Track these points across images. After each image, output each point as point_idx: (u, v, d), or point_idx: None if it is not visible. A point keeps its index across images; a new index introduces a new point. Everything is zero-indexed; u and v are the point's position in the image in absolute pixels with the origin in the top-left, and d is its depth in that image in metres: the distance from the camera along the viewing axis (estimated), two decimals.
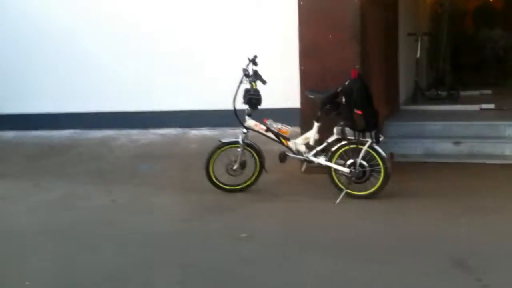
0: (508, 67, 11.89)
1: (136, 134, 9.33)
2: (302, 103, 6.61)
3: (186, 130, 9.31)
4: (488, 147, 6.94)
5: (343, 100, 5.45)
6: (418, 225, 4.97)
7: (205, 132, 9.14)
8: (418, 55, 9.97)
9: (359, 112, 5.34)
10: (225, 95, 9.02)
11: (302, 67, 6.53)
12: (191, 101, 9.27)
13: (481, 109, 8.54)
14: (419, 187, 5.94)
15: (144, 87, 9.46)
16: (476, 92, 10.55)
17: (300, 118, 6.61)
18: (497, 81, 11.45)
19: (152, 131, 9.41)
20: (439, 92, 10.12)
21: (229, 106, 8.84)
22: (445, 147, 7.10)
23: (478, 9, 12.89)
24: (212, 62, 9.07)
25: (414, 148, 7.13)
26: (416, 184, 5.99)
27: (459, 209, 5.27)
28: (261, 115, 5.93)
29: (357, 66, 6.26)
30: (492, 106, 8.50)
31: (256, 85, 5.76)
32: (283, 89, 7.27)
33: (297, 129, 6.45)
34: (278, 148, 6.63)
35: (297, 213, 5.47)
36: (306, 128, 6.40)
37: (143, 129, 9.49)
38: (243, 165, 5.97)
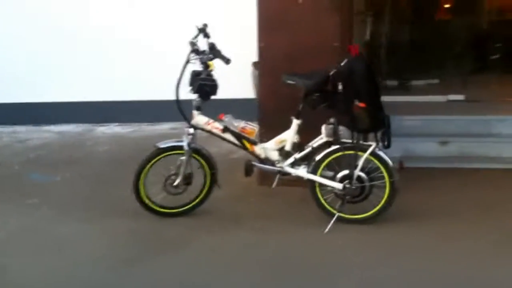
0: (451, 55, 10.82)
1: (24, 131, 7.24)
2: (261, 92, 4.94)
3: (92, 126, 7.37)
4: (481, 148, 5.64)
5: (339, 87, 3.83)
6: (442, 265, 3.52)
7: (117, 129, 7.26)
8: (368, 37, 8.61)
9: (362, 104, 3.75)
10: (143, 83, 7.36)
11: (262, 44, 4.85)
12: (98, 91, 7.37)
13: (449, 101, 7.26)
14: (416, 204, 4.48)
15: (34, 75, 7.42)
16: (422, 82, 9.35)
17: (259, 114, 4.94)
18: (439, 70, 10.28)
19: (45, 127, 7.38)
20: (385, 81, 8.81)
21: (145, 96, 7.15)
22: (429, 147, 5.73)
23: None
24: (133, 42, 7.24)
25: (391, 149, 5.59)
26: (410, 200, 4.45)
27: (486, 235, 3.89)
28: (214, 109, 4.17)
29: (336, 44, 4.69)
30: (461, 97, 7.24)
31: (213, 66, 4.00)
32: (243, 74, 5.56)
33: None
34: (227, 148, 5.01)
35: (268, 251, 3.81)
36: (266, 126, 4.76)
37: (34, 125, 7.44)
38: (188, 179, 4.21)
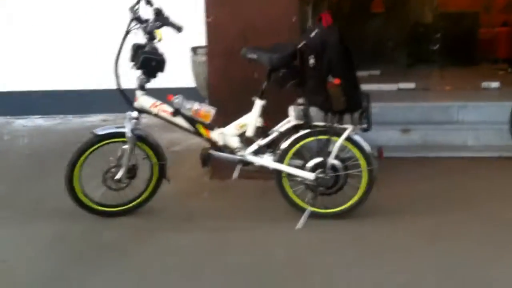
0: (390, 46, 10.60)
1: None
2: (210, 72, 4.32)
3: (10, 119, 6.52)
4: (445, 136, 5.26)
5: (311, 61, 3.27)
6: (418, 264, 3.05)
7: (39, 121, 6.44)
8: (310, 23, 8.13)
9: (336, 81, 3.22)
10: (69, 70, 6.57)
11: (209, 19, 4.24)
12: (16, 80, 6.53)
13: (399, 89, 6.91)
14: (386, 196, 3.95)
15: None
16: (364, 73, 9.01)
17: (209, 98, 4.35)
18: (380, 62, 10.01)
19: None
20: None
21: (72, 85, 6.38)
22: (391, 136, 5.29)
23: None
24: (55, 22, 6.45)
25: None
26: (380, 192, 3.93)
27: (460, 230, 3.47)
28: (159, 92, 3.53)
29: (294, 19, 4.16)
30: (412, 85, 6.91)
31: (161, 35, 3.35)
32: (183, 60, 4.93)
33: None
34: (168, 139, 4.43)
35: (229, 254, 3.21)
36: (219, 112, 4.15)
37: None
38: (131, 171, 3.54)
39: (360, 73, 8.33)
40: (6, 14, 6.52)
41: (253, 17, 4.20)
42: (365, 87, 6.76)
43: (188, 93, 4.50)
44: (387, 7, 11.18)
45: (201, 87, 4.85)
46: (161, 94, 3.56)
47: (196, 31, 4.36)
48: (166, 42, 3.42)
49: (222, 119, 3.71)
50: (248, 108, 3.53)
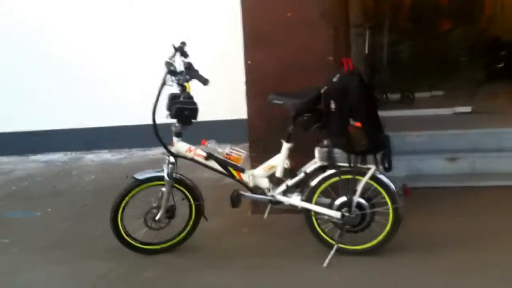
0: (452, 65, 10.41)
1: (9, 162, 6.89)
2: (249, 112, 4.55)
3: (80, 154, 7.00)
4: (494, 164, 5.18)
5: (332, 106, 3.43)
6: None
7: (106, 156, 6.90)
8: (367, 51, 8.22)
9: (357, 124, 3.35)
10: (134, 106, 6.98)
11: (249, 62, 4.47)
12: (85, 117, 7.00)
13: (455, 113, 6.84)
14: (424, 231, 4.03)
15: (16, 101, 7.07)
16: (426, 94, 8.94)
17: (249, 136, 4.56)
18: (440, 81, 9.87)
19: (32, 157, 7.01)
20: (388, 95, 8.40)
21: (140, 120, 6.77)
22: (438, 165, 5.29)
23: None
24: (118, 62, 6.88)
25: (395, 168, 5.12)
26: (417, 226, 4.01)
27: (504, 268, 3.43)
28: (197, 133, 3.77)
29: (331, 57, 4.31)
30: (468, 109, 6.82)
31: (189, 88, 3.62)
32: (229, 94, 5.17)
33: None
34: (209, 175, 4.63)
35: None
36: (258, 150, 4.39)
37: (20, 155, 7.07)
38: (170, 212, 3.82)
39: (422, 95, 8.38)
40: (71, 54, 7.02)
41: (290, 58, 4.37)
42: (420, 112, 6.85)
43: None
44: (453, 25, 11.04)
45: None
46: (213, 128, 3.74)
47: None
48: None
49: (262, 156, 3.92)
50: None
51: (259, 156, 4.27)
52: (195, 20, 6.65)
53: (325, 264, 3.54)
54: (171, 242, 3.91)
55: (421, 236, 3.91)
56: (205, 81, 3.55)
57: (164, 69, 3.65)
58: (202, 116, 3.71)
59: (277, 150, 3.74)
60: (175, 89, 3.67)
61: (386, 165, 3.44)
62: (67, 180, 6.04)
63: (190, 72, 3.59)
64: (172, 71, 3.64)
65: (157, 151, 6.85)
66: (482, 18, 10.99)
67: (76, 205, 5.16)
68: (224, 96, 5.70)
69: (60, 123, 7.13)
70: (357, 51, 7.99)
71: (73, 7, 6.99)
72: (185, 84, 3.58)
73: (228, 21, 5.54)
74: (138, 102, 6.84)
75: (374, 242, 3.62)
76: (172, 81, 3.65)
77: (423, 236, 3.93)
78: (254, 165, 4.09)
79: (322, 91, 3.50)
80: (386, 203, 3.55)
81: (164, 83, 3.65)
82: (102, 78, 6.96)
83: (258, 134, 4.46)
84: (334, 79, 3.45)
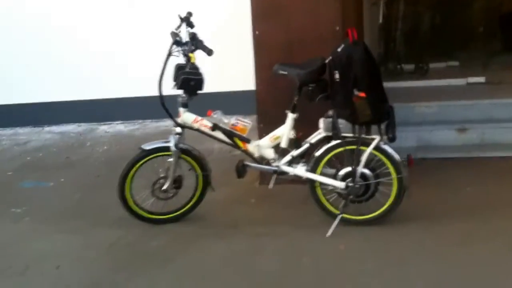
0: (468, 36, 10.27)
1: (25, 133, 7.00)
2: (258, 84, 4.56)
3: (94, 125, 7.10)
4: (504, 134, 5.14)
5: (336, 76, 3.43)
6: (458, 274, 3.09)
7: (120, 127, 6.99)
8: (381, 20, 8.14)
9: (362, 94, 3.36)
10: (146, 77, 7.03)
11: (257, 32, 4.47)
12: (99, 88, 7.07)
13: (468, 84, 6.78)
14: (431, 201, 4.06)
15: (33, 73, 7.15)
16: (442, 64, 8.85)
17: (257, 108, 4.58)
18: (456, 52, 9.75)
19: (47, 128, 7.14)
20: (402, 65, 8.33)
21: (152, 92, 6.85)
22: (447, 136, 5.28)
23: None
24: (130, 34, 6.92)
25: (404, 139, 5.11)
26: (424, 196, 4.05)
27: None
28: (203, 104, 3.80)
29: (337, 28, 4.29)
30: (481, 79, 6.75)
31: (194, 58, 3.64)
32: (236, 64, 5.17)
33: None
34: (219, 146, 4.69)
35: (266, 260, 3.44)
36: (265, 121, 4.41)
37: (36, 126, 7.19)
38: (177, 182, 3.88)
39: (437, 65, 8.30)
40: (83, 27, 7.06)
41: (298, 28, 4.37)
42: (434, 82, 6.80)
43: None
44: None
45: None
46: (220, 99, 3.74)
47: None
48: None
49: (270, 128, 3.95)
50: None
51: (267, 127, 4.29)
52: None
53: (329, 233, 3.58)
54: (178, 212, 3.98)
55: (427, 206, 3.93)
56: (209, 52, 3.57)
57: (170, 40, 3.67)
58: (209, 87, 3.74)
59: (285, 122, 3.76)
60: (182, 60, 3.69)
61: (390, 135, 3.44)
62: (81, 151, 6.14)
63: (195, 42, 3.60)
64: (177, 42, 3.66)
65: (170, 122, 6.85)
66: None
67: (89, 176, 5.24)
68: (231, 67, 5.70)
69: (75, 95, 7.20)
70: (371, 21, 7.92)
71: None
72: (190, 54, 3.59)
73: None
74: (150, 73, 6.92)
75: (378, 212, 3.65)
76: (178, 51, 3.66)
77: (429, 206, 3.95)
78: (262, 136, 4.11)
79: (326, 61, 3.50)
80: (390, 174, 3.57)
81: (170, 54, 3.67)
82: (114, 51, 6.99)
83: (266, 106, 4.47)
84: (339, 49, 3.45)
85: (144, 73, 6.87)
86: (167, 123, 6.92)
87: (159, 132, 6.55)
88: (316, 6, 4.29)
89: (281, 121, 3.80)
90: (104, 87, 7.13)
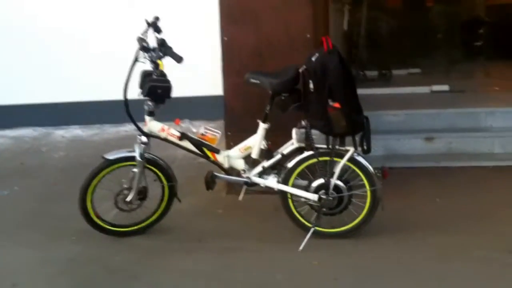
0: (430, 42, 10.33)
1: None
2: (226, 90, 4.41)
3: (49, 129, 6.78)
4: (470, 143, 5.16)
5: (310, 86, 3.31)
6: None
7: (77, 132, 6.70)
8: (346, 27, 8.10)
9: (336, 105, 3.25)
10: (105, 80, 6.81)
11: (225, 38, 4.33)
12: (55, 91, 6.78)
13: (432, 92, 6.80)
14: (401, 212, 3.98)
15: None
16: (403, 71, 8.88)
17: (225, 115, 4.44)
18: (418, 59, 9.79)
19: (0, 132, 6.78)
20: (365, 72, 8.30)
21: (111, 96, 6.62)
22: (414, 145, 5.26)
23: None
24: (90, 36, 6.66)
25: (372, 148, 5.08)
26: (394, 207, 3.90)
27: (481, 250, 3.42)
28: (170, 111, 3.63)
29: (308, 35, 4.19)
30: (445, 87, 6.78)
31: (163, 65, 3.47)
32: (204, 69, 5.02)
33: None
34: (183, 153, 4.49)
35: (236, 277, 3.29)
36: (234, 129, 4.27)
37: None
38: (142, 193, 3.69)
39: (400, 72, 8.30)
40: (39, 28, 6.77)
41: (268, 34, 4.27)
42: (398, 90, 6.77)
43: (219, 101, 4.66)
44: (433, 2, 10.91)
45: None
46: (187, 104, 3.59)
47: None
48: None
49: (238, 136, 3.81)
50: None
51: (235, 135, 4.17)
52: None
53: (301, 247, 3.46)
54: (143, 224, 3.79)
55: (399, 218, 3.87)
56: (179, 59, 3.41)
57: (136, 45, 3.49)
58: (176, 92, 3.58)
59: (254, 130, 3.63)
60: (148, 66, 3.52)
61: (365, 147, 3.36)
62: (36, 157, 5.85)
63: (164, 49, 3.44)
64: (144, 48, 3.48)
65: (130, 127, 6.64)
66: None
67: (45, 184, 4.99)
68: (199, 71, 5.54)
69: (30, 98, 6.88)
70: (336, 27, 7.87)
71: None
72: (158, 61, 3.42)
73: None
74: (110, 77, 6.68)
75: (352, 224, 3.56)
76: (144, 57, 3.49)
77: (401, 218, 3.88)
78: (230, 145, 3.98)
79: (300, 70, 3.38)
80: (363, 185, 3.48)
81: (136, 60, 3.49)
82: (72, 52, 6.72)
83: (235, 113, 4.34)
84: (313, 58, 3.34)
85: (103, 77, 6.70)
86: (127, 127, 6.69)
87: (119, 138, 6.32)
88: (287, 12, 4.19)
89: (251, 129, 3.67)
90: (60, 90, 6.84)
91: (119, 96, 6.67)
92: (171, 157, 4.06)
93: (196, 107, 4.12)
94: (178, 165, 4.63)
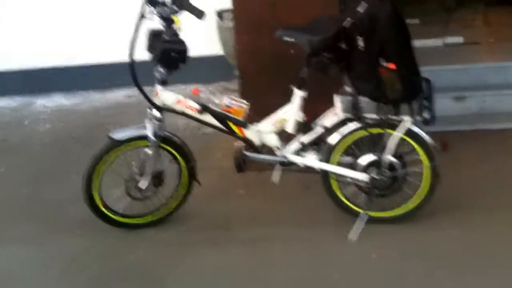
0: None
1: None
2: (238, 50, 3.80)
3: (29, 99, 6.13)
4: (506, 102, 4.64)
5: (359, 42, 2.73)
6: None
7: (61, 100, 6.05)
8: None
9: (391, 65, 2.68)
10: (88, 42, 6.15)
11: None
12: (33, 56, 6.09)
13: (445, 45, 6.23)
14: (454, 183, 3.42)
15: None
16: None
17: (239, 83, 3.84)
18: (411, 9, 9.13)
19: None
20: None
21: (96, 59, 6.00)
22: (443, 105, 4.67)
23: None
24: None
25: None
26: (444, 178, 3.38)
27: None
28: (182, 76, 3.03)
29: None
30: (459, 39, 6.21)
31: (179, 22, 2.85)
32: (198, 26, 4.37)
33: None
34: (185, 121, 3.94)
35: (277, 274, 2.77)
36: (251, 98, 3.65)
37: None
38: (157, 178, 3.10)
39: None
40: None
41: None
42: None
43: (216, 62, 4.06)
44: None
45: (230, 55, 4.36)
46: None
47: None
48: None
49: (255, 102, 3.23)
50: (281, 89, 3.03)
51: (251, 104, 3.58)
52: None
53: (351, 237, 2.95)
54: (158, 215, 3.23)
55: (449, 191, 3.32)
56: (199, 14, 2.79)
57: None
58: None
59: (273, 97, 3.08)
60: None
61: (427, 115, 2.81)
62: (19, 131, 5.20)
63: (179, 2, 2.80)
64: (152, 1, 2.84)
65: (119, 94, 6.04)
66: None
67: (34, 163, 4.38)
68: (192, 30, 4.92)
69: (6, 64, 6.19)
70: None
71: None
72: (174, 17, 2.80)
73: None
74: (95, 38, 6.03)
75: (409, 207, 3.04)
76: (152, 13, 2.86)
77: (452, 191, 3.34)
78: (249, 116, 3.41)
79: (346, 23, 2.79)
80: (419, 161, 2.95)
81: (142, 16, 2.86)
82: (53, 9, 6.01)
83: (250, 78, 3.75)
84: (359, 8, 2.74)
85: (87, 38, 6.03)
86: (116, 93, 6.07)
87: (109, 106, 5.68)
88: None
89: (269, 93, 3.29)
90: (39, 54, 6.15)
91: (105, 59, 6.03)
92: (171, 127, 3.46)
93: (192, 70, 3.48)
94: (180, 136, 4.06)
